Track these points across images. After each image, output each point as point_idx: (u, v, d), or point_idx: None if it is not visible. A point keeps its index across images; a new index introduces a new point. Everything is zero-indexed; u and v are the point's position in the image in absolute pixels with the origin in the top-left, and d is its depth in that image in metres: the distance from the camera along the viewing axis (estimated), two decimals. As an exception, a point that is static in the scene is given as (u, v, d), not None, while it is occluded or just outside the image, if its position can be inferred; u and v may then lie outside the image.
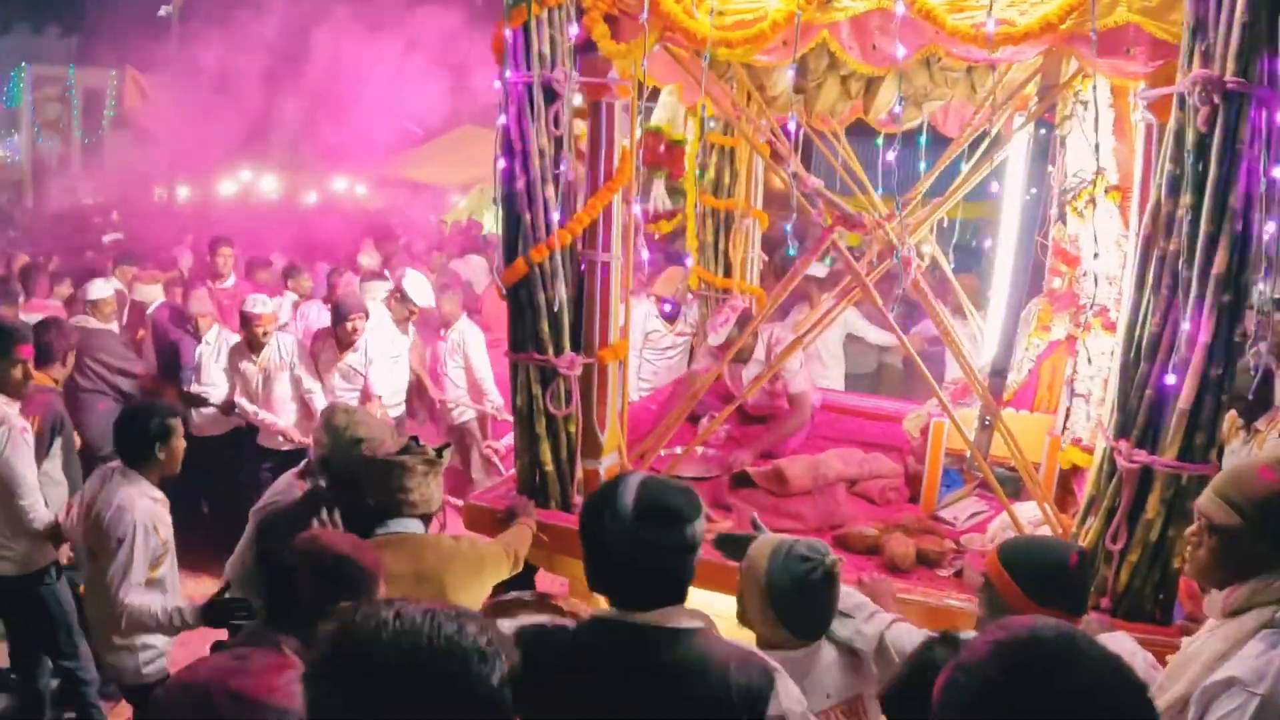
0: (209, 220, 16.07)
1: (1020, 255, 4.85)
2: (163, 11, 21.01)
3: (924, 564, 4.33)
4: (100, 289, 7.67)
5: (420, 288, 7.87)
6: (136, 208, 20.80)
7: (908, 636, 3.02)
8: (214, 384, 7.46)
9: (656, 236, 6.51)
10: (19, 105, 36.56)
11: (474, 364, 8.02)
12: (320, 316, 8.30)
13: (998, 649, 1.61)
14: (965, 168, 4.97)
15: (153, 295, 8.72)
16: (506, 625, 2.59)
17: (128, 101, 20.96)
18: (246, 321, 7.11)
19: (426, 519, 3.77)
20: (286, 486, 4.34)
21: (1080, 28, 3.61)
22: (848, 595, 3.17)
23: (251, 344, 7.19)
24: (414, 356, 8.13)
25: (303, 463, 4.46)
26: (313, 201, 22.19)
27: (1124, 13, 3.56)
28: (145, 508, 4.36)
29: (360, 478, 3.83)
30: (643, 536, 2.41)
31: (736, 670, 2.40)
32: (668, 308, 8.03)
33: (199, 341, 7.54)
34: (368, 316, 7.27)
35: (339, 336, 7.23)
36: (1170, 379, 3.51)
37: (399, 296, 7.83)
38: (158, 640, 4.47)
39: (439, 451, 3.86)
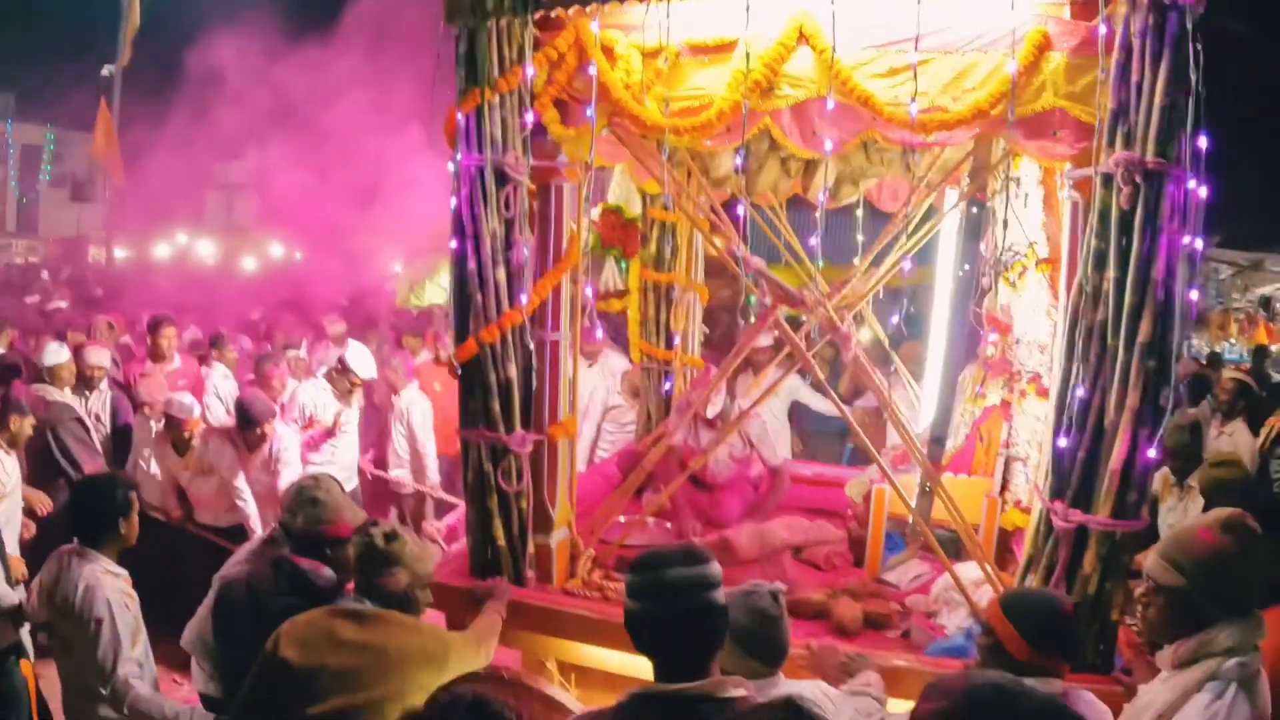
0: (147, 284, 15.91)
1: (955, 324, 5.05)
2: (105, 71, 20.81)
3: (871, 626, 4.43)
4: (56, 353, 7.36)
5: (362, 359, 7.85)
6: (76, 269, 20.49)
7: None
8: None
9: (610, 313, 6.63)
10: None
11: (417, 434, 8.03)
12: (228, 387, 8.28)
13: (939, 717, 1.68)
14: (902, 243, 5.19)
15: (101, 360, 8.14)
16: None
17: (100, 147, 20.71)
18: (172, 423, 6.97)
19: (392, 600, 3.60)
20: (249, 554, 4.36)
21: (1008, 113, 3.84)
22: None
23: (176, 445, 7.03)
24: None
25: (269, 530, 4.45)
26: (251, 267, 22.05)
27: (1050, 98, 3.83)
28: (112, 584, 4.25)
29: (322, 546, 3.86)
30: (647, 584, 2.55)
31: None
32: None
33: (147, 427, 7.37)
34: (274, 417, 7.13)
35: (247, 440, 7.01)
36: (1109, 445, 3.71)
37: (340, 369, 7.82)
38: None
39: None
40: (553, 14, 4.42)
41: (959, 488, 4.90)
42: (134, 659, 4.19)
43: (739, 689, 2.54)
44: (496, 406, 4.61)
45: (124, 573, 4.41)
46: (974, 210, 4.95)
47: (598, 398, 8.06)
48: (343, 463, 7.69)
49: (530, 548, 4.77)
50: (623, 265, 6.13)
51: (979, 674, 1.84)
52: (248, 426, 6.95)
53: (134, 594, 4.39)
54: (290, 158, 16.65)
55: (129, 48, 20.15)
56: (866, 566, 5.07)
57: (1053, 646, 3.04)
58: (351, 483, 7.76)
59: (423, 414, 8.18)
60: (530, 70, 4.45)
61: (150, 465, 7.31)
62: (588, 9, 4.30)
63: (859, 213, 5.45)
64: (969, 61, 3.95)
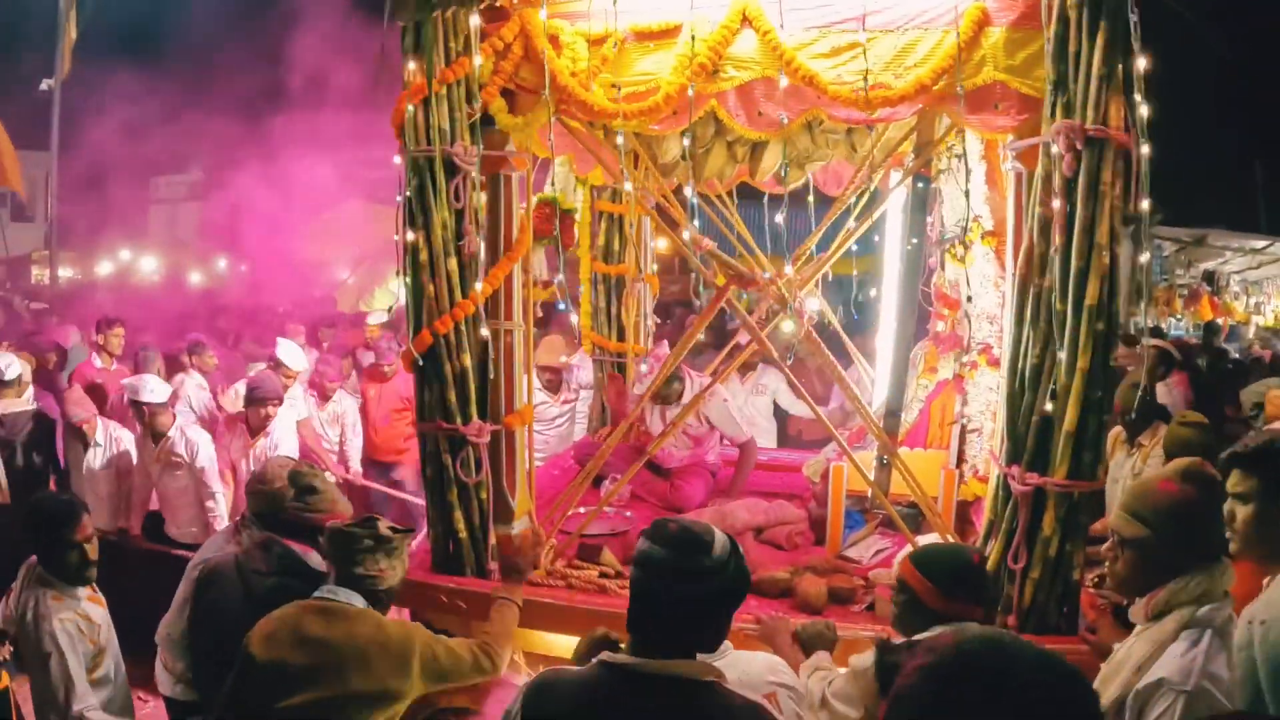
0: (91, 302, 15.71)
1: (904, 302, 5.11)
2: (44, 85, 20.42)
3: (836, 601, 4.47)
4: (15, 365, 7.24)
5: (292, 353, 7.94)
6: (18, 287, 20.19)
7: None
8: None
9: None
10: None
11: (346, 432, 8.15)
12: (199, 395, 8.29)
13: (928, 673, 1.63)
14: (849, 224, 5.25)
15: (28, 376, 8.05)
16: None
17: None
18: (140, 410, 6.89)
19: (372, 596, 3.61)
20: (225, 539, 4.33)
21: (951, 88, 3.95)
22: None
23: (153, 435, 6.95)
24: (305, 428, 8.11)
25: (239, 517, 4.41)
26: (196, 281, 21.84)
27: (991, 72, 3.92)
28: (62, 612, 4.16)
29: (308, 533, 3.85)
30: (671, 564, 2.50)
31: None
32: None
33: (85, 447, 7.25)
34: (281, 402, 7.23)
35: (251, 421, 7.17)
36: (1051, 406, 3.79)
37: (273, 364, 7.91)
38: None
39: (398, 532, 3.82)
40: (498, 4, 4.44)
41: (916, 461, 4.96)
42: (88, 692, 4.13)
43: (711, 675, 2.51)
44: (453, 397, 4.61)
45: (81, 595, 4.29)
46: (919, 185, 5.02)
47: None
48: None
49: (492, 539, 4.77)
50: (560, 256, 6.13)
51: (969, 629, 1.85)
52: (253, 404, 7.13)
53: (93, 615, 4.29)
54: (234, 168, 16.53)
55: (68, 60, 19.76)
56: (828, 544, 5.11)
57: (964, 593, 3.14)
58: None
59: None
60: (477, 60, 4.45)
61: (99, 486, 7.24)
62: (531, -3, 4.34)
63: (810, 198, 5.50)
64: (910, 39, 4.02)
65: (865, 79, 4.00)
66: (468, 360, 4.63)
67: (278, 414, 7.23)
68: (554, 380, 8.15)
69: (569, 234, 6.05)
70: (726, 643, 2.91)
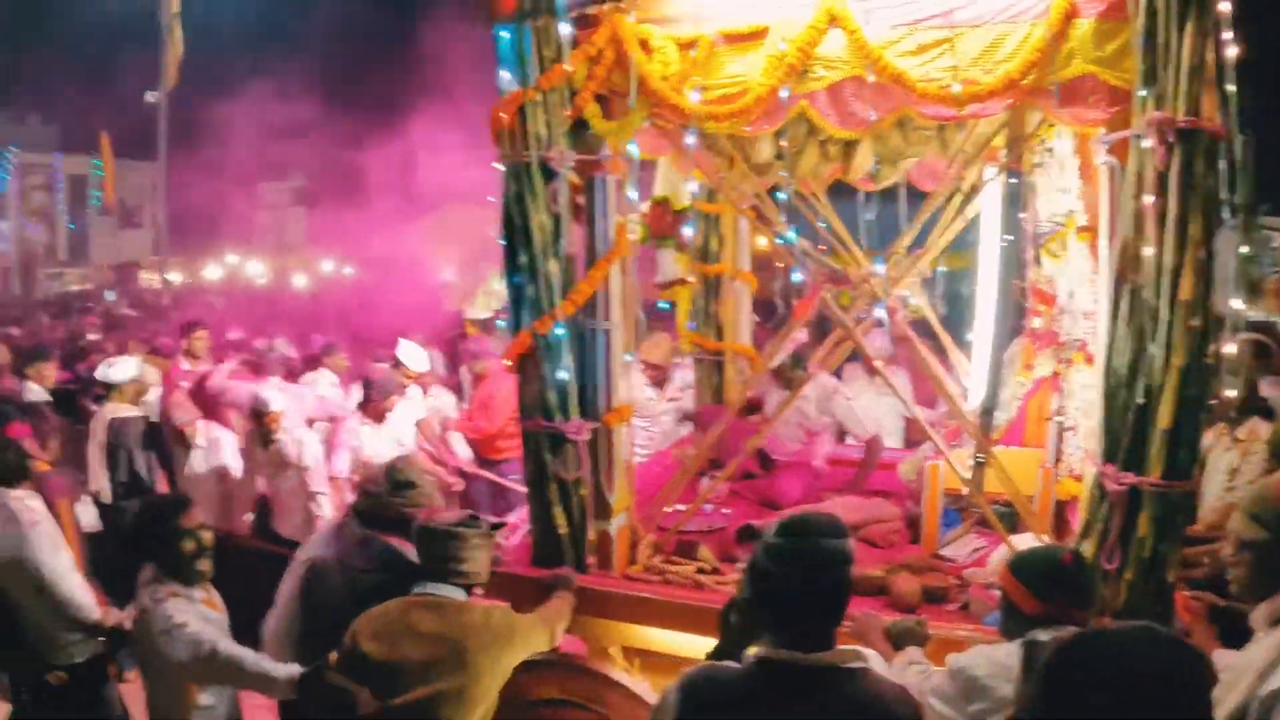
0: (199, 304, 16.26)
1: (1001, 298, 5.06)
2: (149, 98, 21.31)
3: (930, 600, 4.45)
4: (127, 368, 7.48)
5: (414, 355, 8.12)
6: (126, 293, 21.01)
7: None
8: None
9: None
10: (5, 193, 37.12)
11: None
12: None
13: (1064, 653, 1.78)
14: (944, 220, 5.23)
15: (153, 379, 8.51)
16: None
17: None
18: (257, 417, 7.15)
19: (469, 588, 3.88)
20: (328, 536, 4.50)
21: (1040, 82, 3.91)
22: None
23: (263, 438, 7.19)
24: (425, 427, 8.32)
25: (342, 514, 4.58)
26: (302, 284, 22.46)
27: (1080, 64, 3.86)
28: (186, 611, 4.15)
29: (406, 527, 4.00)
30: (801, 554, 2.58)
31: (900, 701, 2.62)
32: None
33: (187, 450, 7.54)
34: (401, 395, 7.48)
35: (370, 414, 7.42)
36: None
37: (393, 364, 8.11)
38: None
39: (495, 527, 4.03)
40: (589, 11, 4.54)
41: (1013, 460, 4.90)
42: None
43: (860, 660, 2.62)
44: (553, 396, 4.73)
45: (197, 597, 4.29)
46: (1012, 181, 4.96)
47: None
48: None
49: (591, 535, 4.87)
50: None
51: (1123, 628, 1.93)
52: (371, 400, 7.38)
53: (215, 616, 4.33)
54: (339, 174, 16.98)
55: (173, 74, 20.57)
56: (924, 542, 5.10)
57: (1056, 594, 3.13)
58: None
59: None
60: (569, 67, 4.55)
61: (201, 487, 7.48)
62: (622, 4, 4.42)
63: (902, 193, 5.50)
64: (998, 33, 3.99)
65: (954, 75, 3.99)
66: (567, 360, 4.73)
67: (397, 411, 7.46)
68: (660, 377, 8.21)
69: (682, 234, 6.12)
70: None
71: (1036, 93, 3.97)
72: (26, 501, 4.86)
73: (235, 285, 24.25)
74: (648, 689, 4.34)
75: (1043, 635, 2.96)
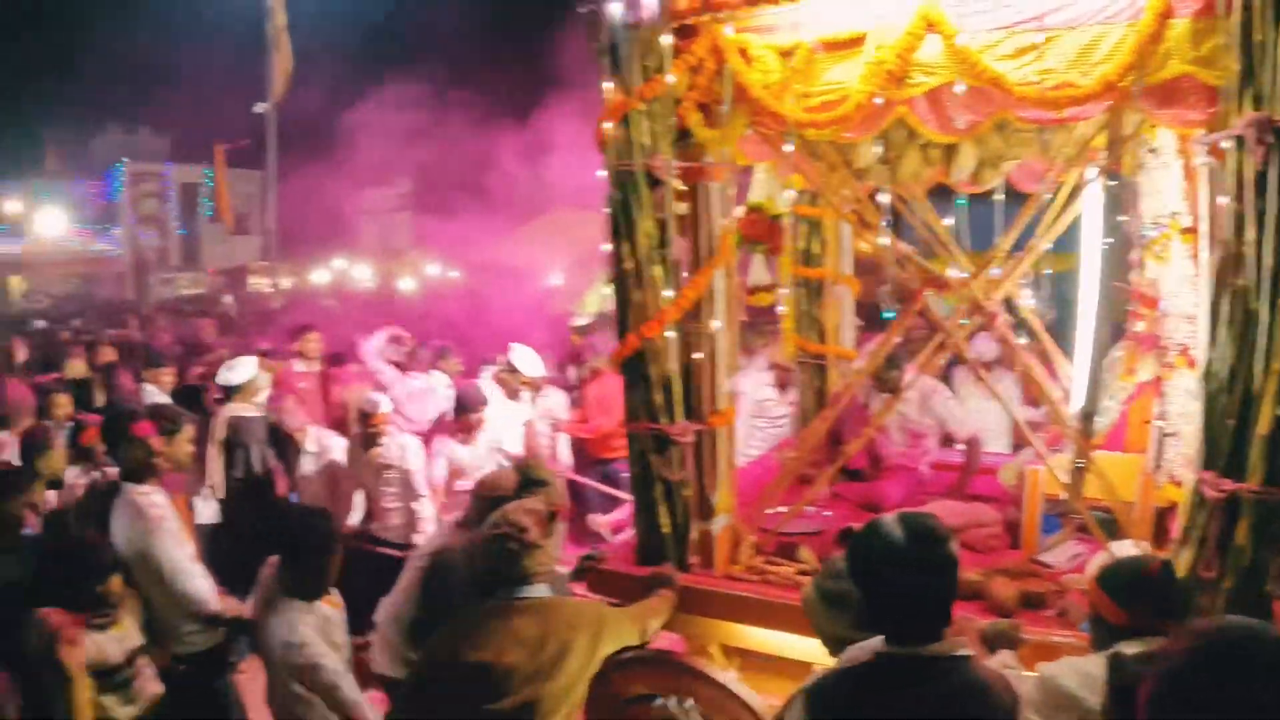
0: (311, 308, 16.74)
1: (1102, 301, 5.02)
2: (258, 108, 22.09)
3: (1027, 605, 4.43)
4: (245, 370, 7.77)
5: (527, 359, 8.30)
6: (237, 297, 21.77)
7: None
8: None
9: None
10: (119, 200, 38.87)
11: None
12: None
13: (1191, 652, 1.83)
14: (1045, 222, 5.21)
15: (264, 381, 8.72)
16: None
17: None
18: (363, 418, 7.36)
19: (551, 585, 3.99)
20: (448, 532, 4.69)
21: (1138, 83, 3.88)
22: None
23: (367, 440, 7.39)
24: (529, 431, 8.53)
25: (457, 517, 4.77)
26: (408, 288, 22.99)
27: (1177, 65, 3.83)
28: (310, 624, 4.40)
29: None
30: (916, 555, 2.79)
31: (1004, 688, 2.80)
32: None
33: (298, 454, 7.87)
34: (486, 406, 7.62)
35: (462, 426, 7.56)
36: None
37: (509, 369, 8.29)
38: None
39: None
40: (689, 22, 4.65)
41: (1113, 465, 4.87)
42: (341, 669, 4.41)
43: (965, 649, 2.80)
44: (658, 399, 4.86)
45: (318, 606, 4.54)
46: (1113, 183, 4.91)
47: (748, 393, 8.21)
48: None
49: (693, 534, 4.98)
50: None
51: (1232, 619, 1.97)
52: (462, 412, 7.51)
53: (331, 617, 4.58)
54: (447, 180, 17.31)
55: (282, 86, 21.25)
56: (1023, 547, 5.08)
57: (1139, 603, 3.14)
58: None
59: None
60: (671, 77, 4.67)
61: (311, 489, 7.83)
62: (721, 15, 4.52)
63: (998, 197, 5.49)
64: (1094, 35, 3.97)
65: (1048, 78, 4.00)
66: (673, 363, 4.86)
67: (504, 414, 7.65)
68: (786, 379, 8.28)
69: (778, 240, 6.20)
70: None
71: (1134, 94, 3.93)
72: (152, 497, 5.10)
73: (344, 289, 24.97)
74: (739, 683, 4.41)
75: (1128, 649, 2.96)
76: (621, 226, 4.82)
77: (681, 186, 4.85)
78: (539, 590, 3.88)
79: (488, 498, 4.71)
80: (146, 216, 40.99)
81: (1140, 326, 5.41)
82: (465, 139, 16.84)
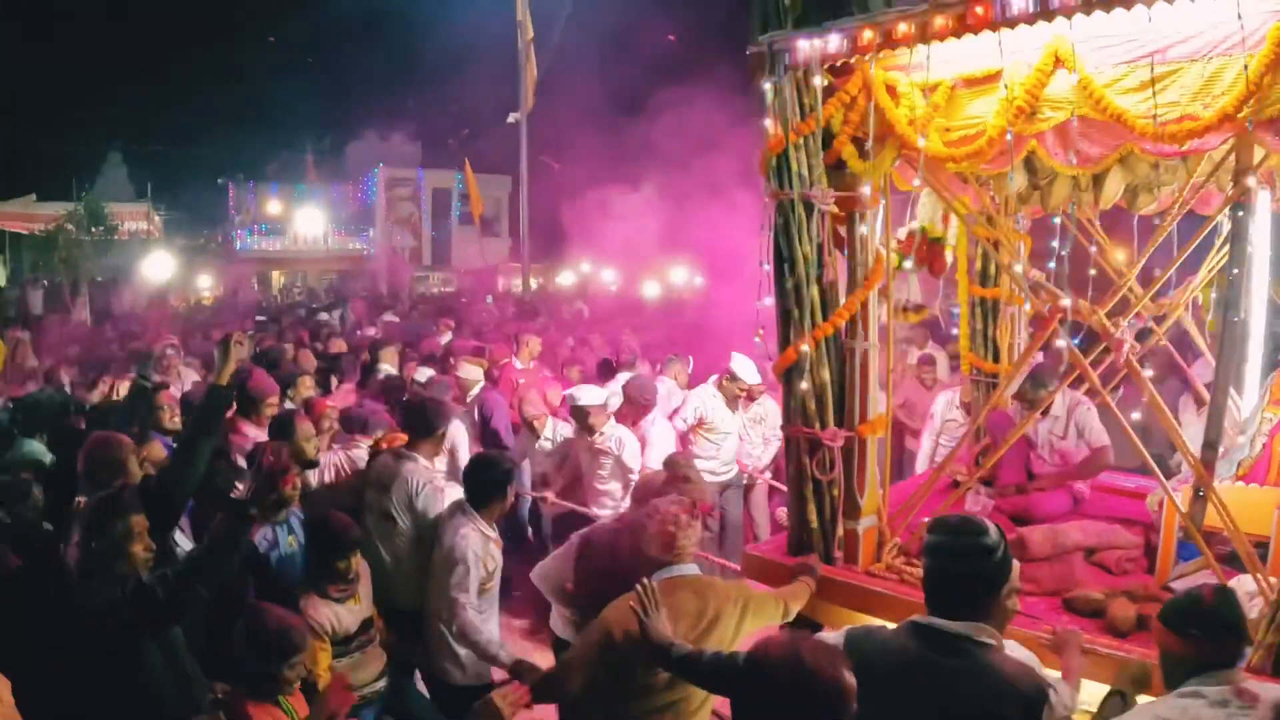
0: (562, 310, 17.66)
1: (1224, 332, 4.90)
2: (511, 118, 23.44)
3: (1144, 629, 4.44)
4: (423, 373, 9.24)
5: (746, 367, 8.71)
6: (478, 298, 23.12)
7: None
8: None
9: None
10: (374, 203, 41.76)
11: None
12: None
13: None
14: (1215, 249, 5.22)
15: (475, 376, 9.73)
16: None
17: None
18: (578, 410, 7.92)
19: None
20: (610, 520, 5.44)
21: (1255, 115, 3.92)
22: None
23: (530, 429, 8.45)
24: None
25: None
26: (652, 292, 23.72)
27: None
28: (479, 541, 5.30)
29: None
30: (949, 545, 3.27)
31: (1020, 679, 3.16)
32: None
33: (535, 437, 8.68)
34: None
35: (629, 417, 8.24)
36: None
37: (729, 377, 8.74)
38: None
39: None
40: (841, 62, 4.99)
41: (1248, 497, 4.83)
42: (472, 601, 5.18)
43: (991, 639, 3.20)
44: (813, 406, 5.27)
45: (495, 536, 5.45)
46: (1238, 214, 4.82)
47: (938, 411, 8.35)
48: (724, 459, 8.70)
49: (840, 531, 5.37)
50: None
51: None
52: (630, 405, 8.29)
53: (497, 555, 5.43)
54: (688, 185, 17.79)
55: (530, 96, 22.40)
56: (1157, 573, 5.08)
57: (1191, 629, 3.20)
58: (730, 474, 8.86)
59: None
60: (823, 115, 5.05)
61: (543, 466, 8.73)
62: (867, 56, 4.87)
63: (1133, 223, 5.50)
64: (1216, 67, 4.05)
65: (1170, 111, 4.10)
66: (827, 375, 5.26)
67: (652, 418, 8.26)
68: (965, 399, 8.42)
69: (939, 261, 6.43)
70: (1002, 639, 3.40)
71: (1256, 125, 3.96)
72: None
73: (588, 291, 26.07)
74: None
75: (1207, 689, 3.08)
76: (782, 250, 5.22)
77: (838, 212, 5.20)
78: (691, 569, 4.36)
79: (645, 490, 5.29)
80: (400, 219, 43.79)
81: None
82: (709, 145, 17.32)
